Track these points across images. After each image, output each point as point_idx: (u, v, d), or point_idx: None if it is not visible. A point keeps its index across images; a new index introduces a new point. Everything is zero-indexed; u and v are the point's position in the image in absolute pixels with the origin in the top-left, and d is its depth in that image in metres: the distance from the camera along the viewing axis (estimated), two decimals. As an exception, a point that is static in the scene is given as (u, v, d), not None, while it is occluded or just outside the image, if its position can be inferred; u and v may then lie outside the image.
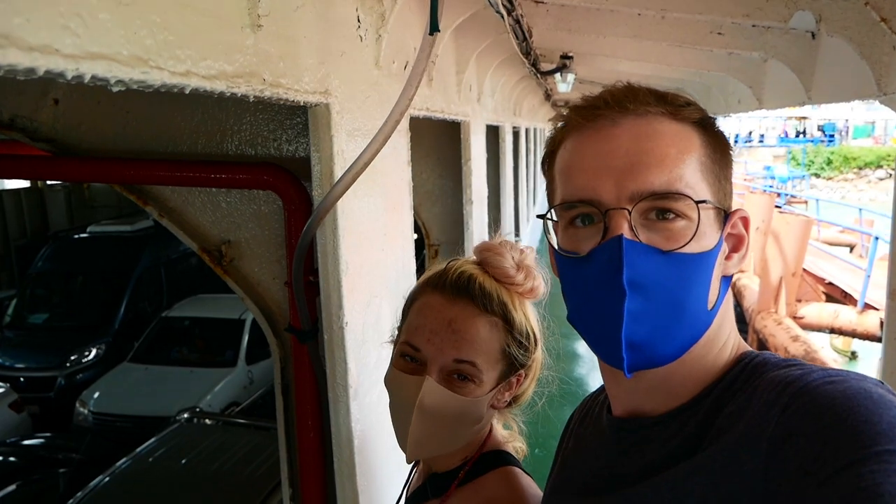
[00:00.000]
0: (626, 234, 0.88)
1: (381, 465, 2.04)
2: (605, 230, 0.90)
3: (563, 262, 0.97)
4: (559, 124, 1.02)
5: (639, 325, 0.88)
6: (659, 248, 0.89)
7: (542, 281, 1.37)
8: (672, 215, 0.89)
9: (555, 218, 0.99)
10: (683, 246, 0.89)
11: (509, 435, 1.46)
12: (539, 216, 1.04)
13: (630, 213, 0.89)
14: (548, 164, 1.03)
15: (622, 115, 0.92)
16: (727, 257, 0.97)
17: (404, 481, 1.52)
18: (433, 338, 1.26)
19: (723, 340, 0.96)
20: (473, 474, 1.32)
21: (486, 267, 1.32)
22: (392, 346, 1.41)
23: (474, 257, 1.37)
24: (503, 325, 1.28)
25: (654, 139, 0.91)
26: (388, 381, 1.35)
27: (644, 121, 0.92)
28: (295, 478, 2.18)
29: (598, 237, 0.91)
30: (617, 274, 0.87)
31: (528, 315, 1.34)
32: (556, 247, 0.99)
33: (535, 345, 1.36)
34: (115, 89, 0.86)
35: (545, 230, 1.02)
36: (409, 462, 1.35)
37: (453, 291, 1.28)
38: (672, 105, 0.94)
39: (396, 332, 1.40)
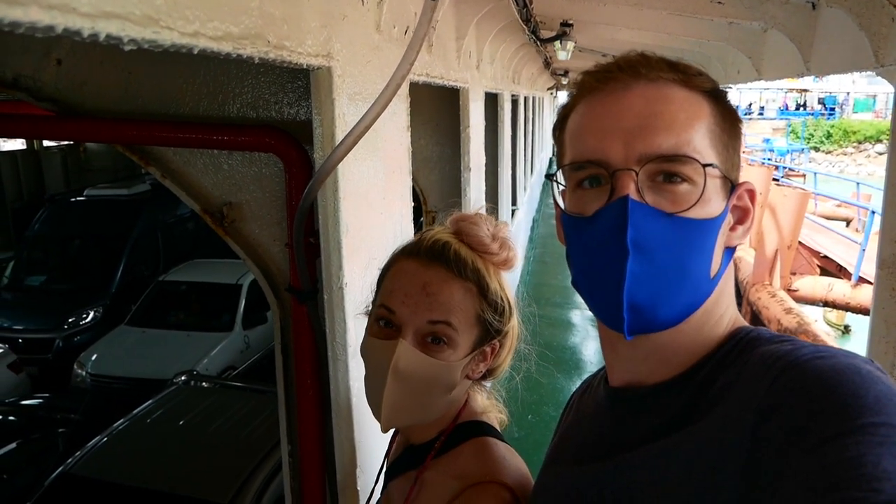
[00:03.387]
0: (633, 195, 0.89)
1: (377, 422, 2.09)
2: (611, 191, 0.91)
3: (570, 224, 0.98)
4: (572, 91, 1.03)
5: (641, 286, 0.89)
6: (664, 211, 0.90)
7: (515, 252, 1.39)
8: (678, 179, 0.90)
9: (562, 182, 1.00)
10: (688, 209, 0.90)
11: (488, 405, 1.46)
12: (547, 176, 1.05)
13: (637, 174, 0.89)
14: (559, 129, 1.04)
15: (634, 80, 0.94)
16: (732, 229, 0.97)
17: (384, 452, 1.54)
18: (407, 300, 1.27)
19: (720, 312, 0.97)
20: (449, 445, 1.32)
21: (462, 236, 1.34)
22: (367, 318, 1.41)
23: (450, 227, 1.38)
24: (477, 290, 1.30)
25: (664, 103, 0.92)
26: (364, 350, 1.35)
27: (655, 86, 0.93)
28: (293, 434, 2.23)
29: (604, 198, 0.92)
30: (621, 234, 0.88)
31: (503, 284, 1.36)
32: (562, 208, 1.00)
33: (510, 314, 1.37)
34: (128, 48, 0.88)
35: (552, 192, 1.03)
36: (383, 431, 1.35)
37: (428, 257, 1.30)
38: (684, 73, 0.95)
39: (371, 304, 1.41)
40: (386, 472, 1.48)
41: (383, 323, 1.30)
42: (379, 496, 1.48)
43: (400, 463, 1.42)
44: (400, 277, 1.31)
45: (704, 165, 0.90)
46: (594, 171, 0.94)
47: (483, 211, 1.43)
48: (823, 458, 0.69)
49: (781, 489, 0.72)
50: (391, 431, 1.47)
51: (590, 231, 0.94)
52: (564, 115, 1.03)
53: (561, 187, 1.01)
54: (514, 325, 1.40)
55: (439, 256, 1.29)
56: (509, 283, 1.41)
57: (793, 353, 0.82)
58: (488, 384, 1.49)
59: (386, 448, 1.54)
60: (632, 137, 0.90)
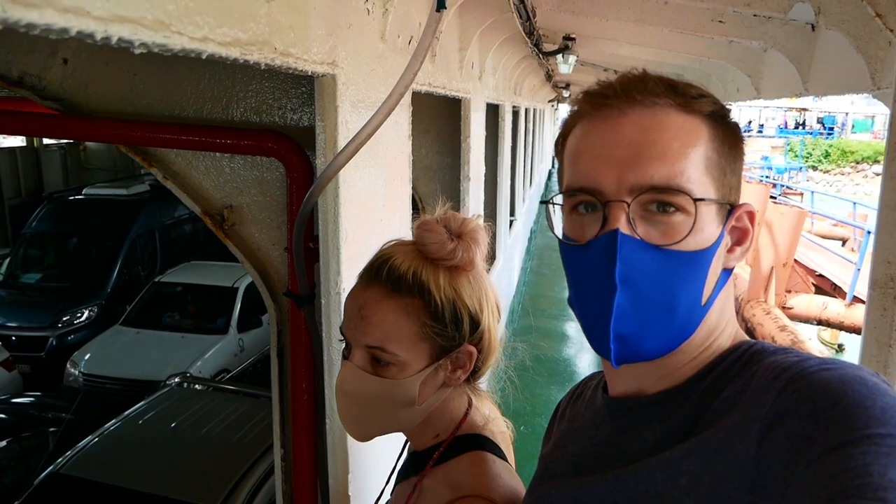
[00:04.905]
0: (623, 227, 0.89)
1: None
2: (603, 220, 0.91)
3: (564, 249, 0.98)
4: (572, 110, 1.02)
5: (628, 319, 0.89)
6: (654, 244, 0.89)
7: (479, 251, 1.31)
8: (672, 209, 0.89)
9: (560, 203, 0.99)
10: (679, 242, 0.89)
11: (492, 418, 1.42)
12: (542, 202, 1.05)
13: (629, 205, 0.89)
14: (560, 147, 1.04)
15: (630, 106, 0.92)
16: (730, 250, 0.97)
17: (398, 452, 1.54)
18: (350, 324, 1.28)
19: (721, 327, 0.98)
20: (448, 455, 1.32)
21: (418, 245, 1.29)
22: None
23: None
24: (421, 304, 1.25)
25: (658, 131, 0.90)
26: None
27: (651, 112, 0.92)
28: (287, 439, 2.24)
29: (597, 226, 0.92)
30: (610, 268, 0.88)
31: (461, 290, 1.29)
32: (557, 234, 1.00)
33: (475, 319, 1.30)
34: (139, 52, 0.90)
35: (547, 216, 1.03)
36: (360, 441, 1.38)
37: (367, 277, 1.29)
38: (683, 96, 0.93)
39: None
40: (397, 476, 1.49)
41: (344, 344, 1.33)
42: (389, 497, 1.49)
43: (405, 468, 1.44)
44: (347, 300, 1.32)
45: (696, 200, 0.89)
46: (587, 198, 0.94)
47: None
48: (829, 466, 0.69)
49: (787, 497, 0.73)
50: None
51: (581, 260, 0.94)
52: (564, 133, 1.02)
53: (558, 207, 1.01)
54: (489, 326, 1.34)
55: (377, 275, 1.27)
56: (484, 282, 1.34)
57: (799, 364, 0.83)
58: (483, 385, 1.48)
59: (398, 452, 1.54)
60: (624, 167, 0.90)
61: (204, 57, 1.08)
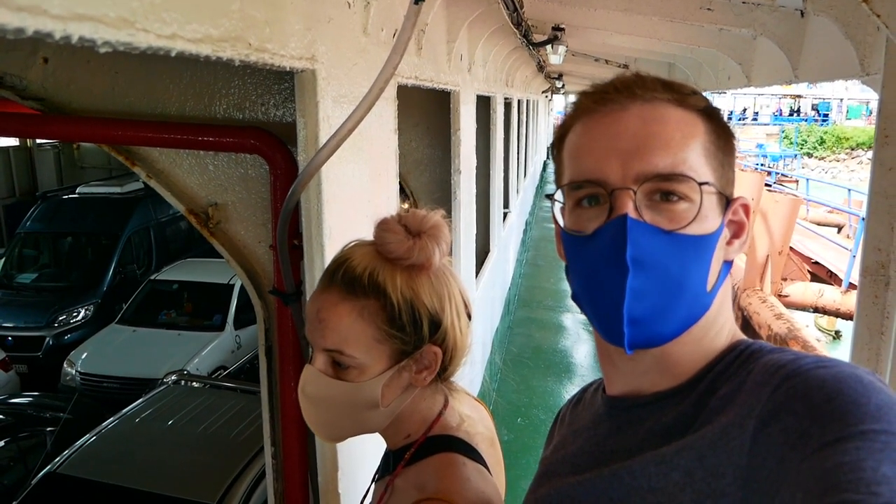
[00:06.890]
0: (631, 213, 0.90)
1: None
2: (610, 209, 0.93)
3: (570, 241, 1.00)
4: (569, 110, 1.04)
5: (640, 301, 0.91)
6: (662, 228, 0.91)
7: (440, 249, 1.27)
8: (675, 197, 0.92)
9: (562, 200, 1.01)
10: (685, 226, 0.91)
11: (468, 417, 1.39)
12: (547, 196, 1.06)
13: (635, 193, 0.91)
14: (557, 148, 1.05)
15: (630, 101, 0.95)
16: (728, 243, 0.99)
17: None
18: (309, 327, 1.28)
19: (720, 325, 0.99)
20: (419, 456, 1.30)
21: (377, 245, 1.27)
22: None
23: None
24: (378, 306, 1.23)
25: (660, 123, 0.93)
26: None
27: (651, 106, 0.95)
28: (277, 437, 2.23)
29: (603, 217, 0.93)
30: (621, 251, 0.90)
31: (420, 290, 1.26)
32: (562, 226, 1.01)
33: (431, 321, 1.27)
34: (102, 50, 0.88)
35: (552, 211, 1.04)
36: (329, 442, 1.36)
37: (326, 280, 1.28)
38: (679, 93, 0.97)
39: None
40: (377, 474, 1.47)
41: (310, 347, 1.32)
42: None
43: (383, 466, 1.43)
44: (308, 304, 1.31)
45: (700, 184, 0.92)
46: (593, 190, 0.95)
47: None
48: (823, 461, 0.70)
49: (780, 492, 0.73)
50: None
51: (590, 249, 0.95)
52: (561, 134, 1.04)
53: (560, 205, 1.02)
54: (453, 325, 1.30)
55: (333, 277, 1.26)
56: (447, 280, 1.31)
57: (795, 361, 0.84)
58: (478, 378, 1.45)
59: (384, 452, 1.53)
60: (629, 157, 0.92)
61: (173, 54, 1.07)
